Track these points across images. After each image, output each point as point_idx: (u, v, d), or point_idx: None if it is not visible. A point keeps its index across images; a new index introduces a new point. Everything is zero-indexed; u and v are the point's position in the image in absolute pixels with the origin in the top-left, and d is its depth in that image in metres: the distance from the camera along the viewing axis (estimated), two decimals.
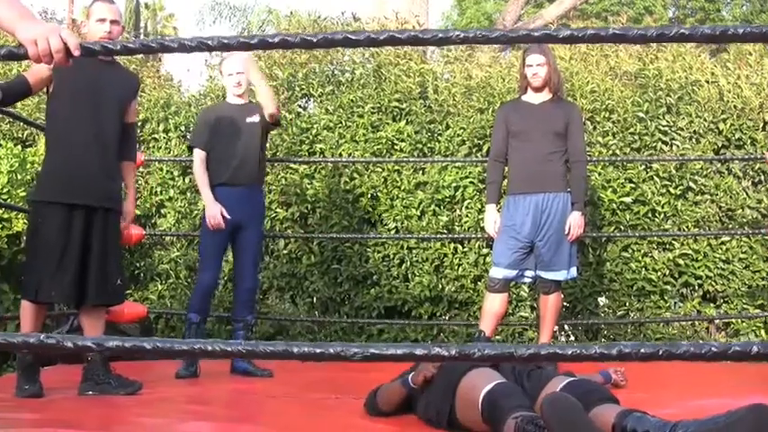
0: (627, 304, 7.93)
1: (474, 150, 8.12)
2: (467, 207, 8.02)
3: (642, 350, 1.84)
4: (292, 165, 8.23)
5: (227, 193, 6.26)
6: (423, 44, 2.32)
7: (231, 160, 6.30)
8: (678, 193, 7.94)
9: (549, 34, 2.25)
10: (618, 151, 8.04)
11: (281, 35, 2.28)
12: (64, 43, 2.37)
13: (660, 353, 1.83)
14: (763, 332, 7.77)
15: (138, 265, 8.40)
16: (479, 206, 7.84)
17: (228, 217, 6.21)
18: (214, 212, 6.19)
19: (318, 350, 1.81)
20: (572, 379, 3.99)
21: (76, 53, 2.38)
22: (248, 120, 6.39)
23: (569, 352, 1.84)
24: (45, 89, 5.29)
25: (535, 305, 7.39)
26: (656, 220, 7.94)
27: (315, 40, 2.24)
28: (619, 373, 5.35)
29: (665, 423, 3.44)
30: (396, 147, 8.22)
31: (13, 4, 2.64)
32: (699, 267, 7.88)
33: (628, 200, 7.91)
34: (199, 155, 6.39)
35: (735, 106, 8.09)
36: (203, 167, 6.36)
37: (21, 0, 2.68)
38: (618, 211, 7.92)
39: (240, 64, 6.37)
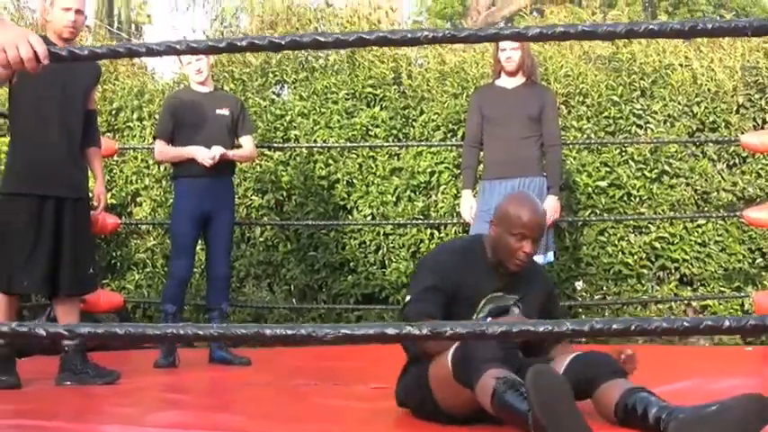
0: (604, 288, 7.95)
1: (449, 135, 8.11)
2: (442, 192, 8.01)
3: (615, 326, 1.84)
4: (267, 152, 8.21)
5: (196, 183, 6.24)
6: (391, 45, 2.29)
7: None
8: (653, 176, 7.95)
9: (519, 32, 2.24)
10: (592, 135, 8.04)
11: (249, 38, 2.25)
12: (33, 51, 2.34)
13: (633, 327, 1.83)
14: (740, 314, 7.80)
15: (114, 254, 8.36)
16: (455, 191, 7.83)
17: (215, 155, 6.20)
18: (203, 153, 6.19)
19: (290, 332, 1.80)
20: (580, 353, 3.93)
21: (45, 61, 2.34)
22: (218, 111, 6.37)
23: (542, 329, 1.84)
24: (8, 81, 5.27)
25: None
26: (632, 203, 7.96)
27: (283, 43, 2.21)
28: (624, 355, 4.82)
29: (665, 406, 3.44)
30: (370, 133, 8.20)
31: None
32: (675, 251, 7.89)
33: (603, 184, 7.91)
34: (159, 146, 6.39)
35: (709, 89, 8.10)
36: (165, 149, 6.37)
37: None
38: (593, 195, 7.93)
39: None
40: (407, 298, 4.07)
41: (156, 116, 7.81)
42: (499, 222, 4.11)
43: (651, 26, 2.15)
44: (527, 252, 4.01)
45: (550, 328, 1.83)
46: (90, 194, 5.68)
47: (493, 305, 4.08)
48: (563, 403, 3.28)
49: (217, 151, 6.18)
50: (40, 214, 5.16)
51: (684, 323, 1.84)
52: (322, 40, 2.22)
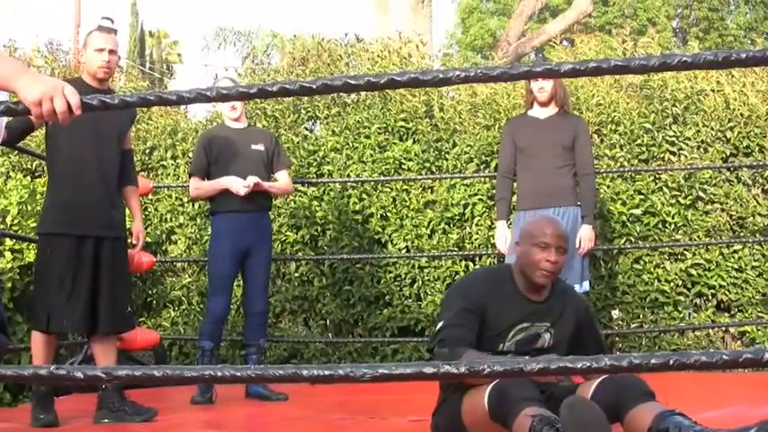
0: (641, 316, 7.90)
1: (482, 167, 8.11)
2: (476, 224, 8.00)
3: (653, 360, 1.82)
4: (301, 187, 8.22)
5: (234, 219, 6.25)
6: (423, 86, 2.29)
7: None
8: (688, 203, 7.92)
9: (551, 69, 2.23)
10: (626, 163, 8.01)
11: (280, 83, 2.26)
12: (67, 103, 2.38)
13: (671, 362, 1.82)
14: None
15: (150, 292, 8.40)
16: (489, 223, 7.82)
17: (249, 184, 6.18)
18: (237, 183, 6.20)
19: (328, 372, 1.81)
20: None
21: (78, 112, 2.39)
22: (253, 147, 6.39)
23: (580, 365, 1.83)
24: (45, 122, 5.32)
25: None
26: (667, 230, 7.92)
27: (314, 87, 2.21)
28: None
29: (701, 429, 3.39)
30: (403, 166, 8.21)
31: (6, 60, 2.65)
32: (711, 277, 7.84)
33: (637, 211, 7.88)
34: (194, 183, 6.41)
35: (741, 114, 8.07)
36: (200, 184, 6.38)
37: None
38: (628, 223, 7.90)
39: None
40: (439, 324, 4.07)
41: (190, 154, 7.86)
42: (523, 239, 4.19)
43: (685, 58, 2.13)
44: (551, 261, 4.05)
45: (588, 364, 1.82)
46: (128, 232, 5.72)
47: (522, 335, 4.07)
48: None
49: (251, 180, 6.19)
50: (79, 254, 5.20)
51: (723, 356, 1.82)
52: (353, 82, 2.22)
